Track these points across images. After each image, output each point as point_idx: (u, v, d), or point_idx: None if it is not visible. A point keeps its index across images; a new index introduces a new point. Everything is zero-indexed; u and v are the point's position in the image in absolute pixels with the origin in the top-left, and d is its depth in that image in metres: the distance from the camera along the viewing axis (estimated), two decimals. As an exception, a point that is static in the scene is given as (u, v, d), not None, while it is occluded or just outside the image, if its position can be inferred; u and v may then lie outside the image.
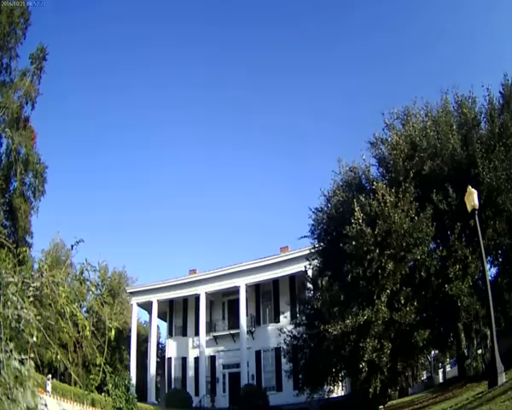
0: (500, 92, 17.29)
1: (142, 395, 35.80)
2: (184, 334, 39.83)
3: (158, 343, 45.84)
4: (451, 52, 77.72)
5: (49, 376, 21.64)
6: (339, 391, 23.53)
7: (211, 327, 37.79)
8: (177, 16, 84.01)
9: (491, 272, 16.91)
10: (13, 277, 3.34)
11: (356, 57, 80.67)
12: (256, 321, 36.26)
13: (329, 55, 79.45)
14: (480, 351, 20.15)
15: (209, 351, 36.69)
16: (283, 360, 25.03)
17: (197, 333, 37.23)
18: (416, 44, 78.97)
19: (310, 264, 19.80)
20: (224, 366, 37.07)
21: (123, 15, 77.57)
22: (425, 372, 37.23)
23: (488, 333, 16.34)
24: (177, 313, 40.87)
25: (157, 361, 41.06)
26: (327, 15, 78.94)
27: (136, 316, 43.20)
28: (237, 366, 35.34)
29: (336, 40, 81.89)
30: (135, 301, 40.66)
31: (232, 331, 36.16)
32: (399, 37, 78.24)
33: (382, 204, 15.81)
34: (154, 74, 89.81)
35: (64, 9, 67.98)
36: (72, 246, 3.69)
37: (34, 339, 3.22)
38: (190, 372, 37.62)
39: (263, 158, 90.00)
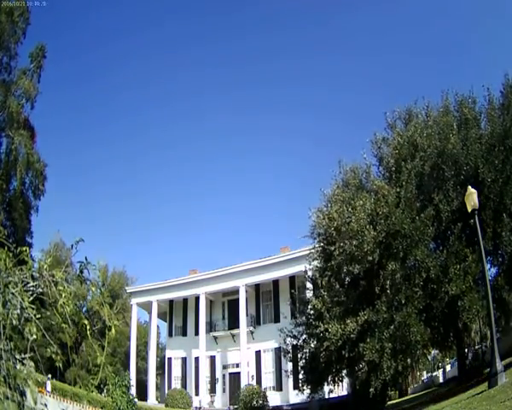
0: (500, 92, 17.24)
1: (142, 395, 35.81)
2: (184, 334, 39.81)
3: (158, 343, 45.84)
4: (453, 52, 77.72)
5: (49, 376, 21.61)
6: (339, 391, 23.49)
7: (211, 327, 37.78)
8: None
9: (491, 272, 16.88)
10: (13, 276, 3.33)
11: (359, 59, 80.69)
12: (256, 321, 36.23)
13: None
14: (479, 351, 20.14)
15: (209, 351, 36.66)
16: (283, 360, 24.98)
17: (197, 333, 37.21)
18: (418, 45, 79.00)
19: (310, 264, 19.76)
20: (224, 366, 37.05)
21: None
22: (425, 372, 37.31)
23: (488, 333, 16.34)
24: (177, 313, 40.85)
25: (157, 361, 41.05)
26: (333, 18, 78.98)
27: (136, 316, 43.22)
28: (237, 366, 35.32)
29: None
30: (135, 301, 40.66)
31: (232, 331, 36.14)
32: (402, 37, 78.29)
33: (383, 204, 15.79)
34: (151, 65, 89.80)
35: (65, 9, 67.95)
36: (72, 245, 3.68)
37: (34, 337, 3.21)
38: (190, 372, 37.61)
39: (263, 158, 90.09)
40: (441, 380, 29.82)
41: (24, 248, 3.55)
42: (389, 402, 21.35)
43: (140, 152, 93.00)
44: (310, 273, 21.11)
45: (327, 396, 20.83)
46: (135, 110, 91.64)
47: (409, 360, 15.46)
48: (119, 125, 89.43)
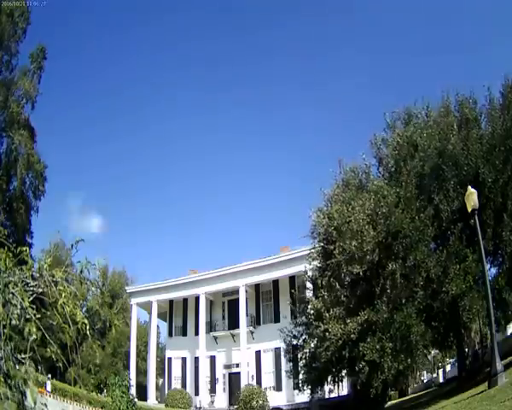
0: (500, 92, 17.21)
1: (142, 395, 35.82)
2: (184, 334, 39.82)
3: (158, 343, 45.84)
4: (453, 52, 77.73)
5: (49, 376, 21.64)
6: (339, 391, 23.47)
7: (211, 327, 37.79)
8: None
9: (491, 272, 16.89)
10: (13, 276, 3.33)
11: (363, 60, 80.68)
12: (256, 321, 36.23)
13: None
14: (480, 351, 20.14)
15: (209, 351, 36.67)
16: (283, 360, 25.00)
17: (197, 333, 37.22)
18: (419, 45, 79.03)
19: (310, 264, 19.76)
20: (224, 366, 37.06)
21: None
22: (425, 372, 37.33)
23: (488, 333, 16.33)
24: (177, 313, 40.86)
25: (157, 361, 41.06)
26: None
27: (136, 316, 43.22)
28: (237, 366, 35.34)
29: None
30: (135, 301, 40.66)
31: (232, 331, 36.15)
32: (404, 39, 78.33)
33: (383, 204, 15.80)
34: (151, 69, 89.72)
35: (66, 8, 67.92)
36: (72, 245, 3.68)
37: (34, 337, 3.21)
38: (190, 372, 37.63)
39: (262, 156, 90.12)
40: (441, 380, 29.84)
41: (24, 248, 3.55)
42: (389, 402, 21.36)
43: (140, 152, 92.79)
44: (310, 273, 21.09)
45: (327, 396, 20.78)
46: (134, 107, 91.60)
47: (409, 360, 15.44)
48: (117, 122, 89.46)
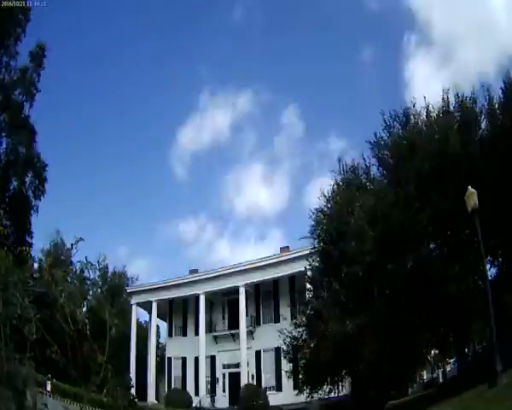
0: (501, 89, 17.15)
1: (142, 395, 35.81)
2: (184, 334, 39.84)
3: (158, 343, 45.85)
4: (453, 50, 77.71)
5: (49, 376, 21.61)
6: (339, 391, 23.48)
7: (211, 327, 37.80)
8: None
9: (491, 272, 16.90)
10: (13, 276, 3.33)
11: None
12: (256, 321, 36.24)
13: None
14: (479, 351, 20.16)
15: (209, 351, 36.67)
16: (283, 360, 25.00)
17: (197, 333, 37.24)
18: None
19: (310, 264, 19.79)
20: (224, 366, 37.06)
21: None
22: (425, 373, 37.29)
23: (488, 333, 16.34)
24: (177, 313, 40.88)
25: (157, 361, 41.06)
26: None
27: (136, 316, 43.20)
28: (237, 366, 35.32)
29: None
30: (135, 301, 40.67)
31: (232, 331, 36.16)
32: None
33: (383, 204, 15.82)
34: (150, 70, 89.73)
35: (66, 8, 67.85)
36: (72, 245, 3.68)
37: (34, 337, 3.22)
38: (190, 372, 37.63)
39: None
40: (441, 380, 29.81)
41: (24, 248, 3.55)
42: (389, 402, 21.32)
43: (140, 147, 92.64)
44: (309, 273, 21.13)
45: (327, 396, 20.79)
46: (132, 105, 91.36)
47: (409, 361, 15.47)
48: (117, 121, 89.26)
